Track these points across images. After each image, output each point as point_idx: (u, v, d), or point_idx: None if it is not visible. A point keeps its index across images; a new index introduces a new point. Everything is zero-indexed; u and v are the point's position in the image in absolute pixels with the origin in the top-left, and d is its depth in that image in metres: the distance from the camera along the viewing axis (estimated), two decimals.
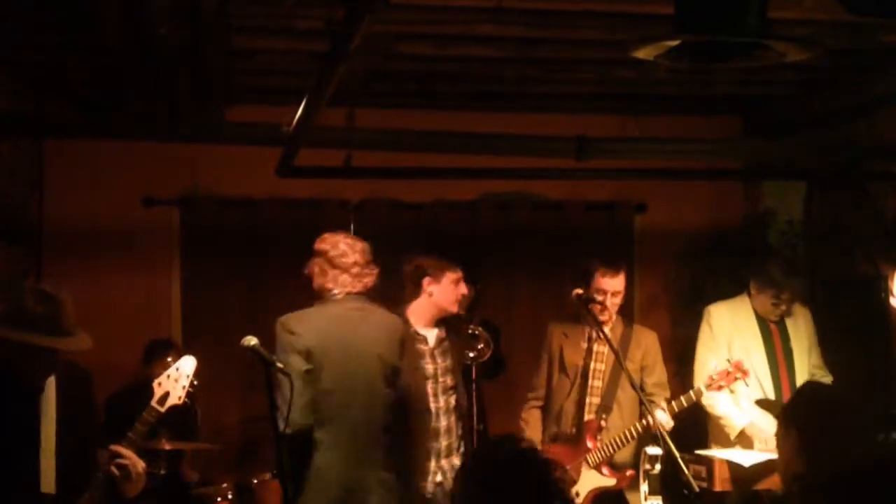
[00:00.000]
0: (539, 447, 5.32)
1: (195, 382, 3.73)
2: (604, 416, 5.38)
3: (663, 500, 4.96)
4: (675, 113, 6.86)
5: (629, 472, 5.32)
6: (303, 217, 6.75)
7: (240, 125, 5.85)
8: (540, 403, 5.61)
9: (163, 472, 5.52)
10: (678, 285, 7.14)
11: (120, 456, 3.48)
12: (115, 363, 5.97)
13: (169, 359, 5.15)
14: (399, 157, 5.92)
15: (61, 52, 5.38)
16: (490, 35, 4.98)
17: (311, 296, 4.69)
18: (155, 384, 3.69)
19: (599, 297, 5.31)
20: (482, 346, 5.56)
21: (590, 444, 5.34)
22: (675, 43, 2.78)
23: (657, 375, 5.50)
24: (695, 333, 5.87)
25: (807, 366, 5.57)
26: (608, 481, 5.33)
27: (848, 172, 6.48)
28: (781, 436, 3.43)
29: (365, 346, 4.63)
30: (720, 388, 5.16)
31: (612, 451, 5.30)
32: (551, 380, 5.57)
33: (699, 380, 5.41)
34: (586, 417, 5.41)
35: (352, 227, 6.95)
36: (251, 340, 3.89)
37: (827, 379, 5.58)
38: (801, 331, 5.61)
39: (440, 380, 5.14)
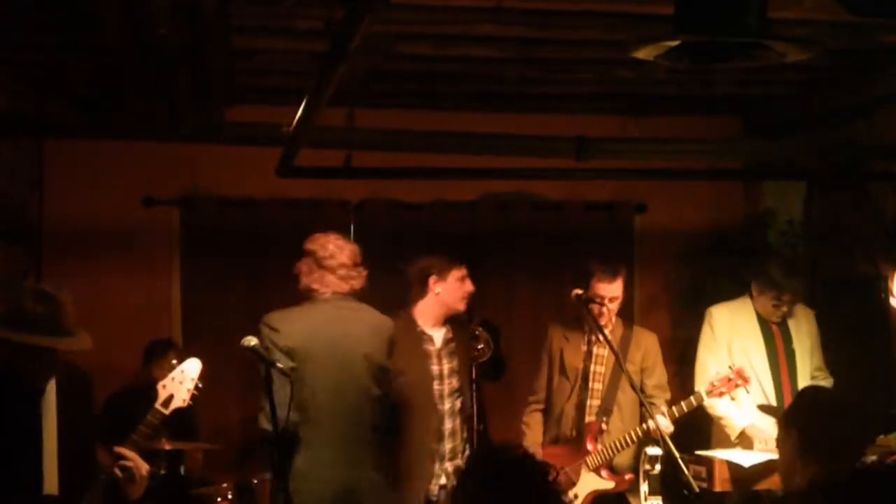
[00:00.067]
0: (539, 450, 5.34)
1: (200, 385, 3.72)
2: (604, 418, 5.38)
3: (663, 501, 4.97)
4: (675, 113, 6.86)
5: (628, 476, 5.31)
6: (303, 217, 6.74)
7: (240, 125, 5.85)
8: (541, 406, 5.60)
9: (163, 472, 5.52)
10: (678, 285, 7.14)
11: (124, 458, 3.48)
12: (115, 363, 5.97)
13: (173, 361, 5.14)
14: (399, 157, 5.92)
15: (61, 52, 5.38)
16: (490, 35, 4.98)
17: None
18: (159, 386, 3.69)
19: (597, 301, 5.31)
20: (482, 346, 5.55)
21: (590, 447, 5.33)
22: (674, 43, 2.78)
23: (657, 377, 5.49)
24: (695, 334, 5.86)
25: (809, 368, 5.56)
26: (607, 484, 5.33)
27: (848, 172, 6.48)
28: (782, 438, 3.43)
29: (351, 346, 4.64)
30: (721, 394, 5.15)
31: (611, 454, 5.29)
32: (552, 382, 5.57)
33: (700, 382, 5.41)
34: (587, 420, 5.40)
35: (352, 227, 6.96)
36: (251, 340, 3.90)
37: (827, 382, 5.58)
38: (803, 332, 5.60)
39: (446, 381, 5.14)
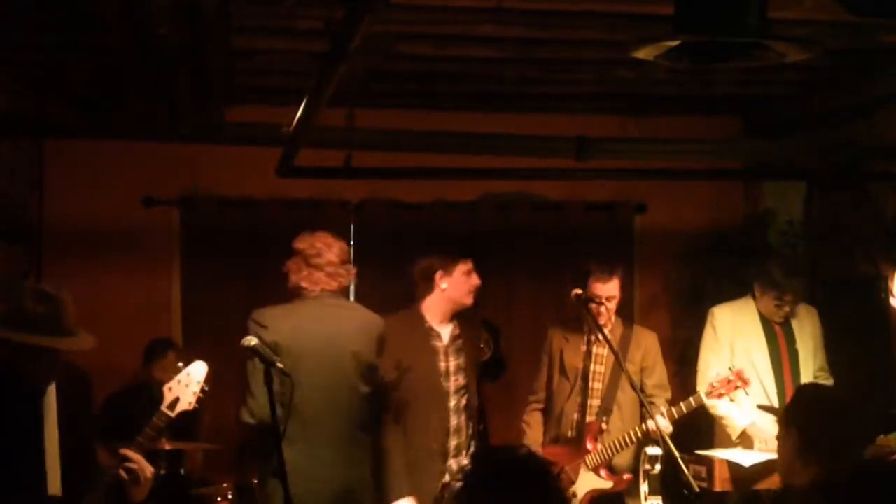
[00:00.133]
0: (539, 449, 5.34)
1: (206, 389, 3.72)
2: (604, 418, 5.38)
3: (663, 501, 4.97)
4: (675, 113, 6.86)
5: (626, 476, 5.32)
6: (303, 217, 6.73)
7: (240, 125, 5.85)
8: (541, 406, 5.61)
9: (163, 472, 5.52)
10: (678, 285, 7.14)
11: (128, 459, 3.48)
12: (114, 363, 5.97)
13: (178, 364, 5.14)
14: (399, 157, 5.92)
15: (61, 52, 5.38)
16: (490, 35, 4.98)
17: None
18: (165, 389, 3.70)
19: (597, 301, 5.31)
20: (482, 346, 5.57)
21: (589, 446, 5.33)
22: (674, 43, 2.78)
23: (657, 376, 5.49)
24: (695, 334, 5.86)
25: (812, 368, 5.56)
26: (605, 484, 5.33)
27: (848, 172, 6.48)
28: (782, 436, 3.43)
29: (341, 343, 4.65)
30: (720, 395, 5.15)
31: (611, 454, 5.29)
32: (551, 382, 5.57)
33: (702, 382, 5.41)
34: (587, 419, 5.40)
35: (352, 227, 6.97)
36: (251, 340, 3.91)
37: (829, 382, 5.58)
38: (806, 332, 5.60)
39: (452, 378, 5.13)
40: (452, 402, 5.11)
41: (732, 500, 5.19)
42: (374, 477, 4.74)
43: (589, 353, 5.48)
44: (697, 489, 4.60)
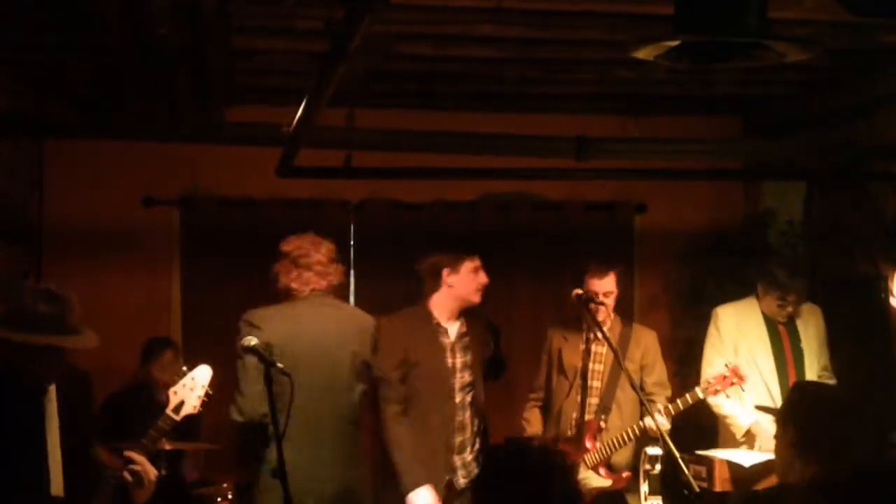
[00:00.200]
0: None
1: (210, 392, 3.76)
2: (603, 416, 5.39)
3: (663, 500, 4.97)
4: (675, 113, 6.86)
5: (626, 474, 5.32)
6: (303, 217, 6.74)
7: (240, 125, 5.85)
8: (540, 403, 5.64)
9: (163, 472, 5.52)
10: (678, 285, 7.14)
11: (133, 462, 3.49)
12: (115, 363, 5.97)
13: (184, 368, 5.15)
14: (399, 157, 5.91)
15: (61, 52, 5.38)
16: (490, 35, 4.98)
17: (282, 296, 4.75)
18: (170, 392, 3.73)
19: (597, 301, 5.32)
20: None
21: (588, 445, 5.34)
22: (674, 43, 2.78)
23: (657, 374, 5.49)
24: (695, 334, 5.86)
25: (816, 368, 5.56)
26: (604, 482, 5.33)
27: (848, 172, 6.48)
28: (780, 435, 3.42)
29: (335, 342, 4.67)
30: (716, 392, 5.16)
31: (609, 452, 5.30)
32: (551, 381, 5.58)
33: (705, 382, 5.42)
34: (586, 418, 5.41)
35: (352, 227, 6.97)
36: (251, 340, 3.91)
37: (831, 382, 5.58)
38: (810, 332, 5.60)
39: (458, 375, 5.14)
40: (458, 399, 5.12)
41: (732, 500, 5.18)
42: (375, 475, 4.75)
43: (588, 351, 5.48)
44: (697, 489, 4.60)
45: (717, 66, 2.97)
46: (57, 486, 3.47)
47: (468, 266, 5.13)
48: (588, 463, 5.32)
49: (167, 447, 5.39)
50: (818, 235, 6.83)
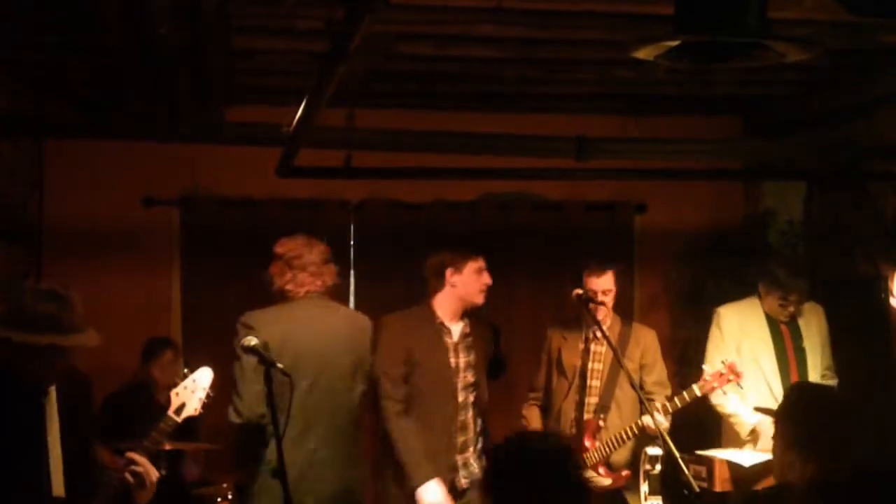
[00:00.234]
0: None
1: (211, 395, 3.78)
2: (602, 415, 5.39)
3: (663, 500, 4.97)
4: (675, 113, 6.86)
5: (625, 473, 5.32)
6: (303, 217, 6.75)
7: (240, 125, 5.85)
8: (539, 402, 5.64)
9: (163, 471, 5.51)
10: (678, 285, 7.14)
11: (135, 463, 3.49)
12: (114, 363, 5.97)
13: (185, 370, 5.16)
14: (399, 157, 5.92)
15: (61, 52, 5.38)
16: (490, 35, 4.98)
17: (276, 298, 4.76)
18: (172, 394, 3.75)
19: (597, 301, 5.32)
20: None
21: (587, 444, 5.34)
22: (674, 43, 2.78)
23: (657, 374, 5.50)
24: (695, 334, 5.86)
25: (819, 367, 5.56)
26: (604, 481, 5.34)
27: (848, 172, 6.48)
28: (777, 436, 3.42)
29: (334, 343, 4.68)
30: (713, 389, 5.17)
31: (608, 451, 5.30)
32: (550, 381, 5.59)
33: None
34: (584, 417, 5.41)
35: (352, 227, 6.97)
36: (251, 340, 3.91)
37: (834, 381, 5.58)
38: (813, 331, 5.60)
39: (462, 375, 5.14)
40: (461, 399, 5.12)
41: (732, 500, 5.19)
42: (375, 475, 4.75)
43: (587, 350, 5.49)
44: (697, 489, 4.61)
45: (717, 66, 2.97)
46: (58, 487, 3.47)
47: (472, 266, 5.13)
48: (587, 462, 5.32)
49: (167, 447, 5.41)
50: (818, 235, 6.83)
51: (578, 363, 5.48)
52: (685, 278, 7.09)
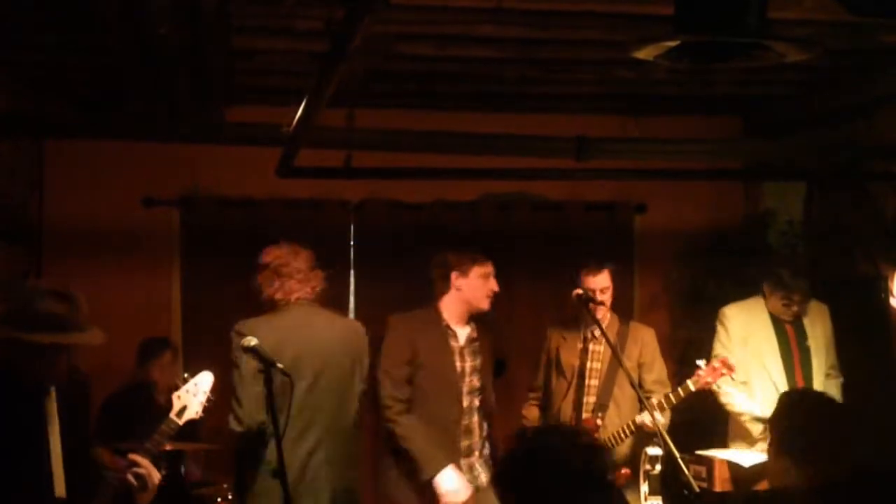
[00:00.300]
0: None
1: (211, 398, 3.80)
2: (600, 414, 5.39)
3: (663, 501, 4.97)
4: (675, 113, 6.86)
5: (624, 471, 5.32)
6: (303, 217, 6.75)
7: (240, 125, 5.85)
8: (539, 402, 5.65)
9: (163, 472, 5.52)
10: (678, 285, 7.14)
11: (138, 465, 3.49)
12: (115, 363, 5.98)
13: (186, 376, 5.17)
14: (399, 158, 5.92)
15: (61, 52, 5.38)
16: (490, 35, 4.98)
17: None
18: (174, 397, 3.77)
19: (596, 301, 5.33)
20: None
21: None
22: (674, 43, 2.78)
23: (656, 372, 5.50)
24: (695, 334, 5.86)
25: (824, 366, 5.58)
26: None
27: (848, 172, 6.48)
28: (770, 442, 3.43)
29: (331, 345, 4.69)
30: (707, 383, 5.18)
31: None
32: (550, 381, 5.60)
33: (718, 381, 5.42)
34: (583, 416, 5.41)
35: (352, 227, 6.97)
36: (251, 341, 3.91)
37: (839, 381, 5.60)
38: (817, 330, 5.62)
39: (467, 379, 5.13)
40: (466, 403, 5.11)
41: (732, 500, 5.18)
42: (375, 475, 4.76)
43: (585, 350, 5.49)
44: (697, 489, 4.61)
45: (717, 66, 2.97)
46: (59, 487, 3.47)
47: (477, 271, 5.12)
48: None
49: (167, 447, 5.41)
50: (818, 235, 6.83)
51: (577, 363, 5.49)
52: (685, 278, 7.09)
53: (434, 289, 5.18)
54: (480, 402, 5.17)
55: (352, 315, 6.81)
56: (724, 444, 5.64)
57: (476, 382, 5.15)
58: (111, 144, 6.43)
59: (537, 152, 5.95)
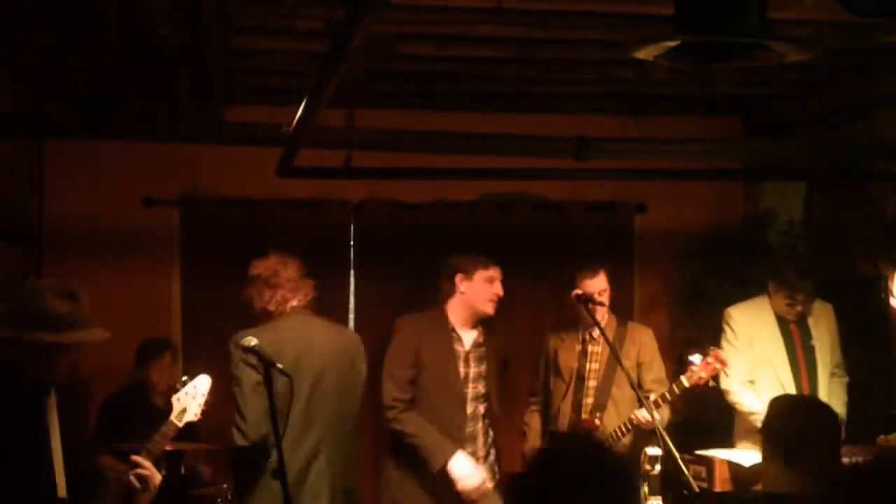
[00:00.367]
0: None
1: (210, 400, 3.82)
2: (598, 414, 5.40)
3: (663, 501, 4.97)
4: (675, 113, 6.86)
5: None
6: (303, 217, 6.75)
7: (240, 125, 5.85)
8: (540, 408, 5.65)
9: (163, 472, 5.52)
10: (678, 285, 7.13)
11: (140, 466, 3.50)
12: (115, 363, 5.98)
13: (179, 368, 5.18)
14: (399, 158, 5.92)
15: (61, 52, 5.38)
16: (490, 35, 4.98)
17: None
18: (174, 399, 3.78)
19: (596, 302, 5.33)
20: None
21: None
22: (674, 43, 2.79)
23: (655, 371, 5.50)
24: (695, 334, 5.85)
25: (829, 365, 5.59)
26: None
27: (848, 172, 6.48)
28: (769, 448, 3.43)
29: (329, 348, 4.68)
30: (701, 379, 5.19)
31: None
32: (549, 383, 5.59)
33: (724, 381, 5.43)
34: (581, 417, 5.41)
35: (352, 227, 6.97)
36: (251, 341, 3.91)
37: (843, 380, 5.60)
38: (822, 329, 5.64)
39: (471, 385, 5.12)
40: (470, 409, 5.10)
41: (732, 500, 5.18)
42: (375, 475, 4.76)
43: (584, 351, 5.50)
44: (697, 489, 4.61)
45: (717, 66, 2.97)
46: (60, 488, 3.47)
47: (482, 275, 5.12)
48: None
49: (167, 447, 5.41)
50: (818, 235, 6.83)
51: (575, 365, 5.49)
52: (685, 278, 7.09)
53: (441, 291, 5.18)
54: (486, 409, 5.16)
55: (352, 315, 6.81)
56: (728, 444, 5.64)
57: (481, 389, 5.14)
58: (111, 144, 6.43)
59: (537, 152, 5.95)
